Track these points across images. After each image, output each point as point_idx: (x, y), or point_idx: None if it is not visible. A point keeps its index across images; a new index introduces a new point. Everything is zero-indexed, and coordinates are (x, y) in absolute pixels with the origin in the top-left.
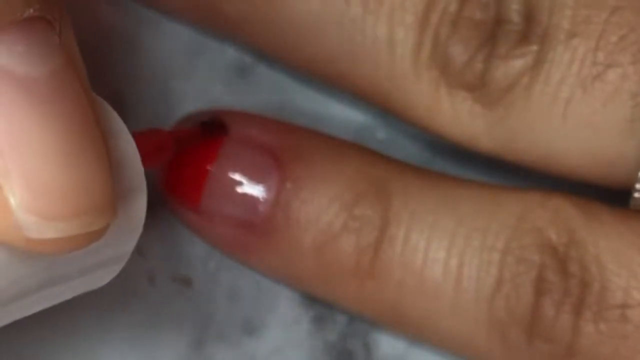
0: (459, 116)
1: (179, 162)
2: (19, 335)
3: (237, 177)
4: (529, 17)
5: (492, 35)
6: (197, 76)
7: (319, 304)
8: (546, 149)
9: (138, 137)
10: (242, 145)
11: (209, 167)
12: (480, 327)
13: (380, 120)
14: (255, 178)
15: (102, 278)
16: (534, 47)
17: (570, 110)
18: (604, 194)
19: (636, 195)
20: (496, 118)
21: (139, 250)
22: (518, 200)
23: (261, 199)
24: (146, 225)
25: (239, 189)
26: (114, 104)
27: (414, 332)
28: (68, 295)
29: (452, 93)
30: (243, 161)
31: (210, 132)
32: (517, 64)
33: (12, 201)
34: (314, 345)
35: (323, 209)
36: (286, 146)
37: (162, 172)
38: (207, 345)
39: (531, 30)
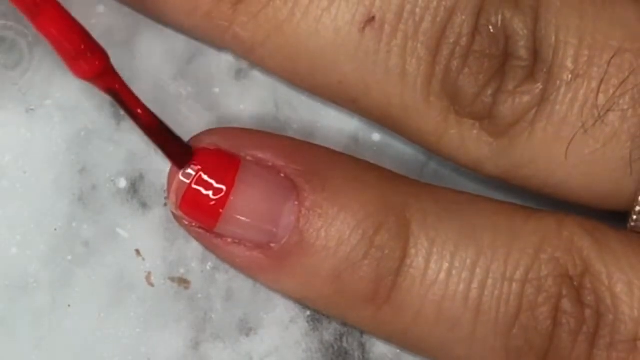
0: (466, 142)
1: (196, 184)
2: (19, 335)
3: (254, 201)
4: (536, 52)
5: (501, 69)
6: (194, 79)
7: None
8: (548, 179)
9: None
10: (259, 169)
11: (226, 191)
12: (497, 355)
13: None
14: (272, 202)
15: None
16: (540, 85)
17: (571, 148)
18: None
19: (633, 223)
20: (501, 147)
21: (137, 251)
22: (535, 230)
23: (279, 224)
24: (145, 227)
25: (256, 214)
26: (112, 106)
27: (427, 356)
28: None
29: (460, 121)
30: (260, 186)
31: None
32: (524, 100)
33: None
34: (310, 344)
35: (344, 238)
36: (303, 170)
37: (176, 194)
38: (204, 345)
39: (537, 67)
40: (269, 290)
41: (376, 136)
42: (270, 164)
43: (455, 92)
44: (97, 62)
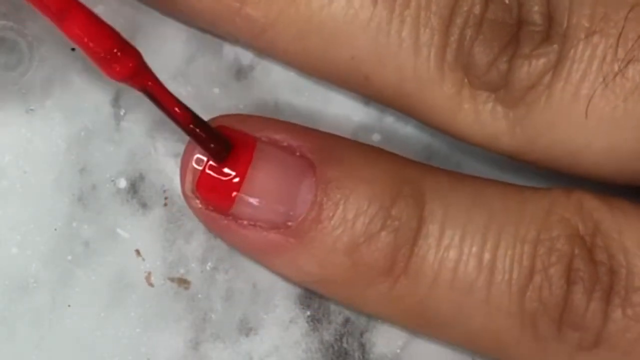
0: (481, 117)
1: (211, 167)
2: (19, 335)
3: (271, 181)
4: (550, 17)
5: (515, 36)
6: (194, 79)
7: (315, 304)
8: (567, 146)
9: None
10: (274, 149)
11: (242, 171)
12: (513, 319)
13: (376, 122)
14: (289, 180)
15: None
16: (556, 46)
17: (591, 106)
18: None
19: None
20: (518, 117)
21: (137, 252)
22: (543, 195)
23: (296, 201)
24: (145, 227)
25: (273, 193)
26: (112, 106)
27: (442, 330)
28: None
29: (474, 94)
30: (276, 165)
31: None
32: (540, 62)
33: None
34: (309, 344)
35: (362, 210)
36: (317, 148)
37: (189, 177)
38: (204, 345)
39: (552, 30)
40: (269, 291)
41: (376, 136)
42: (285, 143)
43: (469, 61)
44: (130, 64)
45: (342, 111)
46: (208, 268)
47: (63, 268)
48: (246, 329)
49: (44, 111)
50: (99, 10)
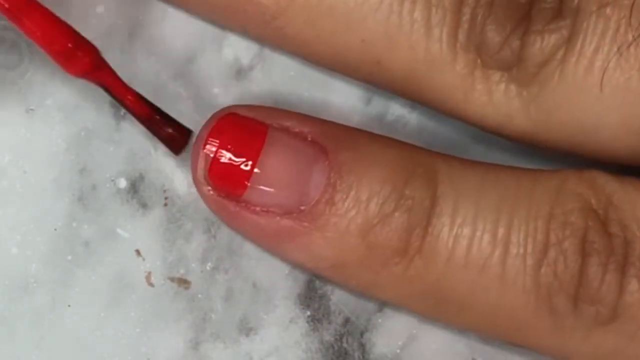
0: (494, 97)
1: (224, 151)
2: (19, 335)
3: (283, 165)
4: None
5: (527, 14)
6: (194, 79)
7: (315, 304)
8: (581, 122)
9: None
10: (286, 135)
11: (254, 156)
12: (528, 295)
13: (376, 122)
14: (302, 165)
15: None
16: (568, 21)
17: (606, 77)
18: None
19: None
20: (532, 95)
21: (137, 252)
22: (555, 174)
23: (309, 185)
24: (145, 227)
25: (286, 177)
26: (112, 106)
27: (458, 311)
28: None
29: (487, 75)
30: (289, 149)
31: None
32: (552, 38)
33: None
34: (309, 344)
35: (375, 191)
36: (328, 134)
37: (201, 163)
38: (204, 345)
39: (564, 5)
40: (269, 291)
41: None
42: (296, 130)
43: (482, 40)
44: (86, 59)
45: (342, 111)
46: (208, 268)
47: (63, 268)
48: (246, 329)
49: (44, 111)
50: (99, 10)
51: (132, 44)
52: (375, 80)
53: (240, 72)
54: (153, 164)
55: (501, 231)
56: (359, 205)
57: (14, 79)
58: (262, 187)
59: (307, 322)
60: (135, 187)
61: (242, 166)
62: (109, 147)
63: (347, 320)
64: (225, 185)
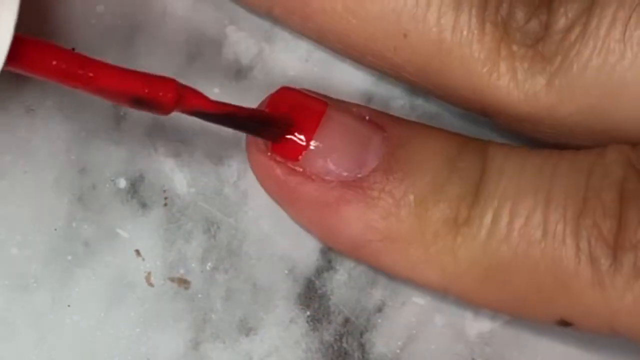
0: (518, 75)
1: (286, 125)
2: (19, 335)
3: (342, 136)
4: None
5: None
6: (194, 79)
7: (315, 304)
8: (605, 85)
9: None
10: (345, 111)
11: (313, 127)
12: (569, 248)
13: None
14: (360, 137)
15: None
16: None
17: (628, 31)
18: None
19: None
20: (555, 68)
21: (137, 252)
22: (594, 149)
23: (367, 156)
24: (144, 227)
25: (344, 147)
26: (112, 106)
27: (503, 280)
28: None
29: (512, 53)
30: (347, 123)
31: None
32: (576, 3)
33: None
34: (309, 344)
35: (430, 162)
36: (383, 115)
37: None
38: (204, 345)
39: None
40: (269, 291)
41: None
42: (354, 109)
43: (510, 12)
44: (169, 94)
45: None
46: (208, 268)
47: (63, 268)
48: (246, 329)
49: (44, 111)
50: (99, 10)
51: (132, 44)
52: (397, 58)
53: (240, 72)
54: (153, 164)
55: (543, 186)
56: (415, 174)
57: (14, 79)
58: (318, 156)
59: (307, 322)
60: (135, 187)
61: (299, 139)
62: (109, 147)
63: (347, 321)
64: (283, 151)
